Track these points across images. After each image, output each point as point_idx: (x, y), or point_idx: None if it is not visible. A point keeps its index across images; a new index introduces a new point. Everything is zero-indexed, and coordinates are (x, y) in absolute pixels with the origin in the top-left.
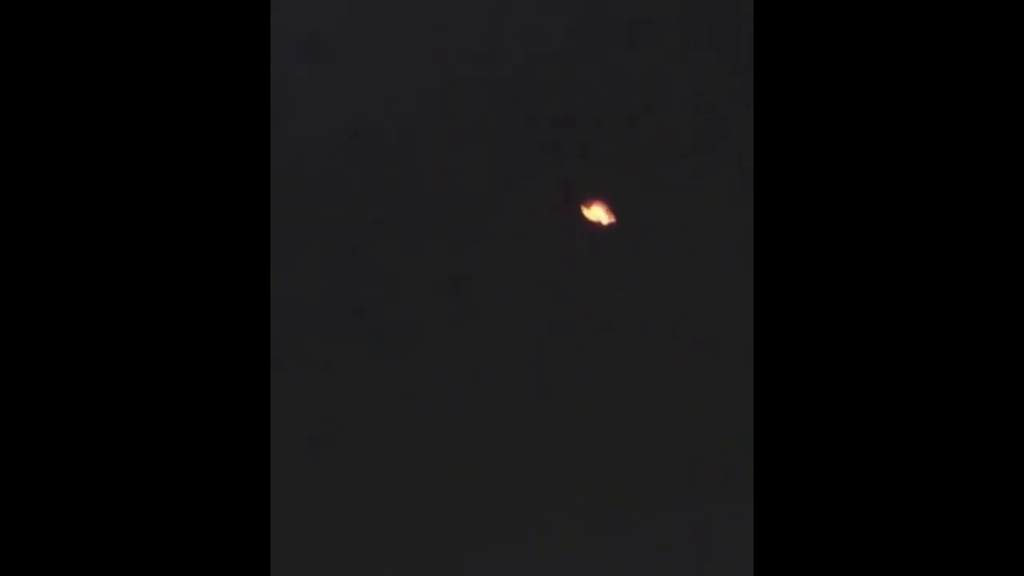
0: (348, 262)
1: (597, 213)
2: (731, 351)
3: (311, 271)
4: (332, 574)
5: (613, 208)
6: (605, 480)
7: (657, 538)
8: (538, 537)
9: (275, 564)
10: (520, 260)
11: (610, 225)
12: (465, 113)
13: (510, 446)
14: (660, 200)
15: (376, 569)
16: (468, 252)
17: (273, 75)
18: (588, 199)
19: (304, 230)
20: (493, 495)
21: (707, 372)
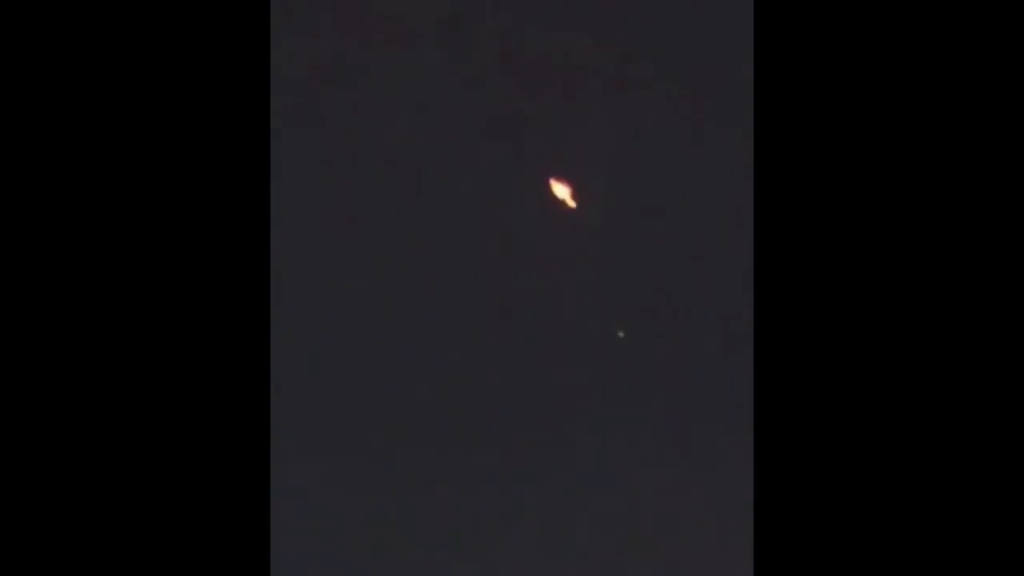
0: (347, 257)
1: (562, 192)
2: (732, 343)
3: (310, 266)
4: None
5: (577, 195)
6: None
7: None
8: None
9: (275, 564)
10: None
11: (569, 208)
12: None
13: (509, 442)
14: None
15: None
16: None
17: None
18: (560, 179)
19: (303, 228)
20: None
21: (709, 364)
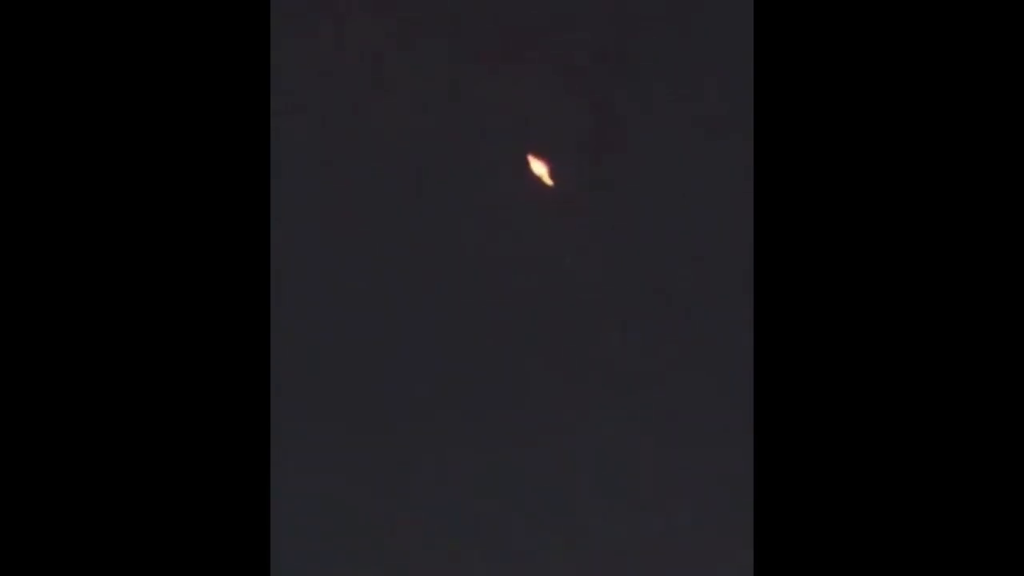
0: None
1: (540, 169)
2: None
3: (309, 263)
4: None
5: (554, 174)
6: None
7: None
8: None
9: (275, 564)
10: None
11: (547, 185)
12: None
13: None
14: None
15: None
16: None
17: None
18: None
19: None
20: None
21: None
